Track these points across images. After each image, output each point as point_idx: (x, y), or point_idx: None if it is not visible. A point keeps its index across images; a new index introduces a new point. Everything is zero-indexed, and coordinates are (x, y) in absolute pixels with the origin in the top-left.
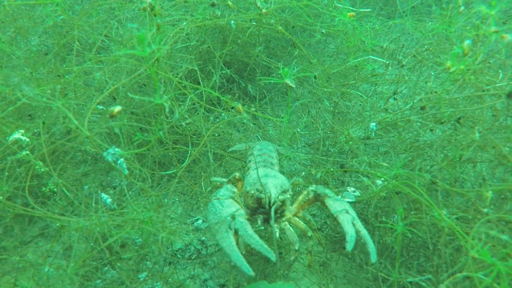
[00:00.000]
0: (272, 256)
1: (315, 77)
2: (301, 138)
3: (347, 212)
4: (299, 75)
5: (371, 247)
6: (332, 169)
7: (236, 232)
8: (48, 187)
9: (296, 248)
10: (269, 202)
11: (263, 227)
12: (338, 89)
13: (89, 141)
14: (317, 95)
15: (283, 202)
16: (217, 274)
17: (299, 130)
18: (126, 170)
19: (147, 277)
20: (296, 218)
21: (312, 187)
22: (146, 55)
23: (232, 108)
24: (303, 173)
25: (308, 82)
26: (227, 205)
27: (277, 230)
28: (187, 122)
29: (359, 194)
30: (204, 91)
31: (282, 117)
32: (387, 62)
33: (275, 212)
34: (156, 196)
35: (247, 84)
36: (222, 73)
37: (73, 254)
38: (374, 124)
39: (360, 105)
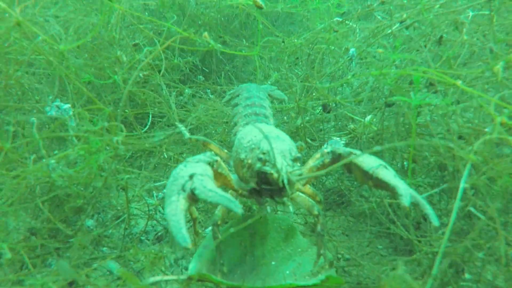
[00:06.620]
0: (237, 207)
1: (283, 42)
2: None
3: (385, 167)
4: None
5: (428, 210)
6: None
7: (192, 194)
8: None
9: (316, 212)
10: (280, 179)
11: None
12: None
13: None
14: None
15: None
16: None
17: (269, 82)
18: (73, 121)
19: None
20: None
21: (327, 148)
22: None
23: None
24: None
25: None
26: (193, 166)
27: (289, 204)
28: (145, 73)
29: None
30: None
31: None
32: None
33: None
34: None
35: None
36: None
37: None
38: (353, 49)
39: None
